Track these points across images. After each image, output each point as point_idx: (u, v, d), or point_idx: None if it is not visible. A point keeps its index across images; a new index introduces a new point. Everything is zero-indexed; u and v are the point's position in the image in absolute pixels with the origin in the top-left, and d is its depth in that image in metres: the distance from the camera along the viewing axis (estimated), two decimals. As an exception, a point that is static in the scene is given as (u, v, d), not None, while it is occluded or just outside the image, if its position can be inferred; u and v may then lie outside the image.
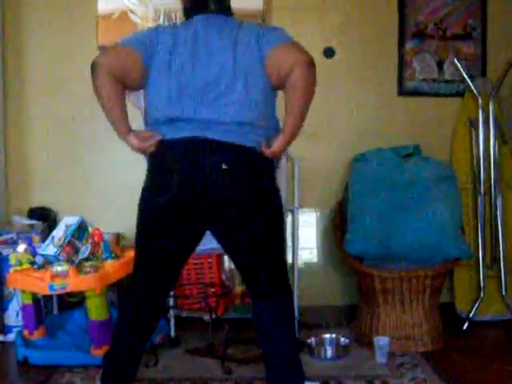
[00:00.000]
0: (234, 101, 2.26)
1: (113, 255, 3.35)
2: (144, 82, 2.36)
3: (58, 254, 3.17)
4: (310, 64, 2.22)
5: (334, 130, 4.03)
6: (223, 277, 3.71)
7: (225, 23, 2.38)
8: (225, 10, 2.44)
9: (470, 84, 3.95)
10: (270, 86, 2.32)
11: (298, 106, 2.26)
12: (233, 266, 3.73)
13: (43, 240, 3.46)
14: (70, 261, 3.17)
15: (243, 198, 2.29)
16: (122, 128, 2.34)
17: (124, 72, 2.29)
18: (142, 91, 2.46)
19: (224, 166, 2.24)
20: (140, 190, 2.41)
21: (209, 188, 2.25)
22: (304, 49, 2.27)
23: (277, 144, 2.32)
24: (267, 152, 2.32)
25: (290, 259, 3.52)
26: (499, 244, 3.95)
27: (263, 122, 2.33)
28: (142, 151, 2.36)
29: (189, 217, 2.32)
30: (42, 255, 3.22)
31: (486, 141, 3.95)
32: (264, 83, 2.31)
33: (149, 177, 2.37)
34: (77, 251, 3.24)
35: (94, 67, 2.28)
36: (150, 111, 2.37)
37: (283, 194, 3.07)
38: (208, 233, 2.45)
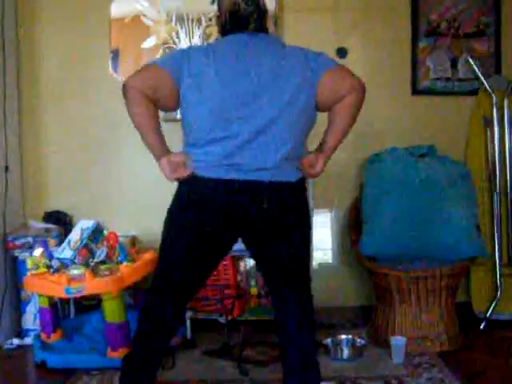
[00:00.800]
0: (277, 128, 2.24)
1: (128, 258, 3.36)
2: (177, 104, 2.31)
3: (74, 258, 3.19)
4: (364, 90, 2.31)
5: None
6: (238, 278, 3.71)
7: (267, 43, 2.35)
8: (263, 29, 2.40)
9: (484, 82, 3.93)
10: (314, 107, 2.32)
11: (344, 128, 2.33)
12: (248, 268, 3.74)
13: (59, 244, 3.49)
14: (85, 264, 3.18)
15: (281, 221, 2.29)
16: (156, 151, 2.31)
17: (156, 93, 2.25)
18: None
19: (265, 205, 2.23)
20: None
21: (247, 219, 2.26)
22: (355, 74, 2.34)
23: (319, 165, 2.36)
24: (311, 174, 2.37)
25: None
26: (516, 243, 3.92)
27: (302, 146, 2.34)
28: (170, 180, 2.33)
29: (224, 235, 2.33)
30: (59, 259, 3.24)
31: (501, 139, 3.93)
32: (309, 106, 2.30)
33: (182, 203, 2.33)
34: (93, 254, 3.25)
35: (125, 88, 2.24)
36: (186, 132, 2.33)
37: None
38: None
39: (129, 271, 3.24)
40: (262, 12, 2.40)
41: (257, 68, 2.25)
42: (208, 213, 2.26)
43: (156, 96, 2.25)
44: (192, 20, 3.86)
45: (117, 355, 3.02)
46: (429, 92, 4.06)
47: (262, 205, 2.23)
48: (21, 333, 3.66)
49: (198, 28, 3.85)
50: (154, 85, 2.25)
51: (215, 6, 2.47)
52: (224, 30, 2.41)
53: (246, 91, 2.24)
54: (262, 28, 2.39)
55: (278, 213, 2.27)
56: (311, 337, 2.49)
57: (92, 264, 3.21)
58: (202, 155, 2.26)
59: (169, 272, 2.41)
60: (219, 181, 2.23)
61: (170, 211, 2.37)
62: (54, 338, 3.33)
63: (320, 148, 2.38)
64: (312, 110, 2.32)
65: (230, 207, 2.24)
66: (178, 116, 2.42)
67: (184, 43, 3.84)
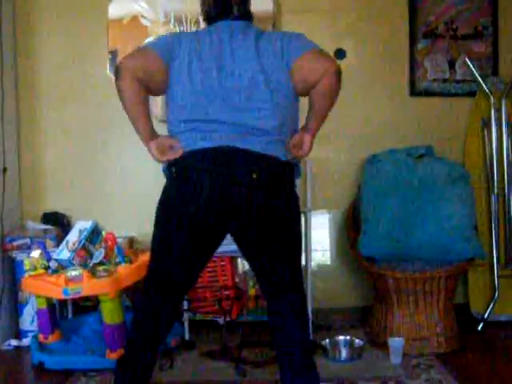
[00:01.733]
0: (260, 108, 2.26)
1: (126, 259, 3.36)
2: (166, 87, 2.33)
3: (72, 259, 3.19)
4: (339, 72, 2.27)
5: (346, 131, 4.02)
6: (237, 279, 3.71)
7: (248, 29, 2.37)
8: (247, 15, 2.43)
9: (482, 83, 3.93)
10: (295, 92, 2.34)
11: (324, 110, 2.34)
12: (246, 269, 3.74)
13: (57, 245, 3.48)
14: (83, 265, 3.18)
15: (270, 206, 2.30)
16: (144, 134, 2.32)
17: (149, 75, 2.26)
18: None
19: (254, 176, 2.23)
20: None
21: (238, 197, 2.25)
22: (331, 56, 2.33)
23: (307, 145, 2.37)
24: (300, 154, 2.37)
25: (303, 261, 3.50)
26: (513, 244, 3.93)
27: (289, 128, 2.35)
28: (160, 162, 2.35)
29: (215, 224, 2.32)
30: (56, 260, 3.24)
31: (499, 140, 3.93)
32: (289, 90, 2.31)
33: (173, 185, 2.33)
34: (91, 255, 3.25)
35: (118, 69, 2.25)
36: (172, 114, 2.35)
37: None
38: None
39: (127, 272, 3.24)
40: None
41: (240, 55, 2.29)
42: (199, 188, 2.24)
43: (147, 78, 2.27)
44: (190, 21, 3.87)
45: (115, 356, 3.01)
46: (427, 93, 4.06)
47: (252, 175, 2.24)
48: (19, 334, 3.66)
49: (196, 29, 3.85)
50: (147, 67, 2.27)
51: None
52: (209, 17, 2.45)
53: (231, 79, 2.27)
54: (245, 13, 2.43)
55: (267, 188, 2.27)
56: (307, 337, 2.49)
57: (90, 265, 3.21)
58: (186, 133, 2.29)
59: (161, 269, 2.41)
60: (207, 149, 2.25)
61: (160, 202, 2.37)
62: (52, 339, 3.33)
63: (304, 129, 2.40)
64: (293, 93, 2.33)
65: (222, 175, 2.24)
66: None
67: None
